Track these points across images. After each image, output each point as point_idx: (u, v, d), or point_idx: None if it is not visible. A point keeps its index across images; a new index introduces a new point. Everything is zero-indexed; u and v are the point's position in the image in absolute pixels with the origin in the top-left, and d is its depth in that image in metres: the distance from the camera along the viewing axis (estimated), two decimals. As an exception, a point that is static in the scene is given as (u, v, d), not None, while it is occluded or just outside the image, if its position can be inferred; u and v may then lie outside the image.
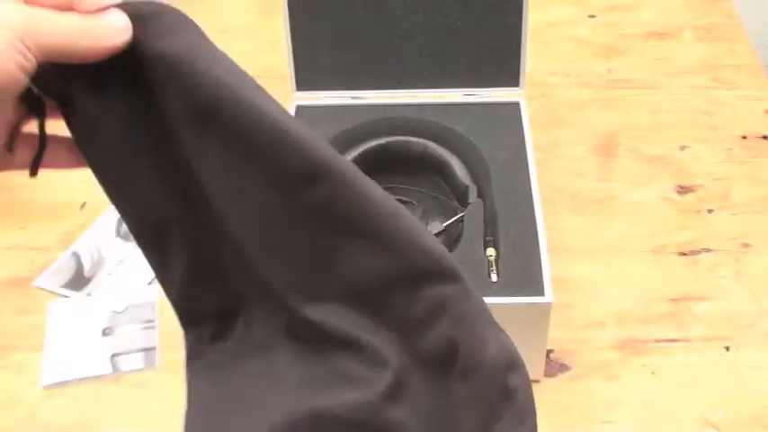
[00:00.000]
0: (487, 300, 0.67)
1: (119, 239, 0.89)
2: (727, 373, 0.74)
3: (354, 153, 0.83)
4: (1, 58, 0.32)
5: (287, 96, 0.89)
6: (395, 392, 0.36)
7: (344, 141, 0.84)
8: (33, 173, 0.39)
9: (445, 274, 0.38)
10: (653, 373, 0.75)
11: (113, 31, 0.35)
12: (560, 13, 1.18)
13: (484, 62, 0.87)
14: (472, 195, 0.78)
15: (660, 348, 0.77)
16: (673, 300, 0.81)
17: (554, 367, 0.75)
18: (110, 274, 0.85)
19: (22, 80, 0.33)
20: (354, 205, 0.36)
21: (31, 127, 0.39)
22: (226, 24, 1.19)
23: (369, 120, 0.85)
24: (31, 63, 0.33)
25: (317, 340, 0.37)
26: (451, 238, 0.75)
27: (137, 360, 0.78)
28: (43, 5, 0.34)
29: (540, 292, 0.67)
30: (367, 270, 0.37)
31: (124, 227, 0.90)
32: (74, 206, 0.93)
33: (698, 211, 0.89)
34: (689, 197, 0.91)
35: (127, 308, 0.82)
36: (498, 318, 0.69)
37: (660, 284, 0.82)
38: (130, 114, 0.37)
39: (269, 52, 1.13)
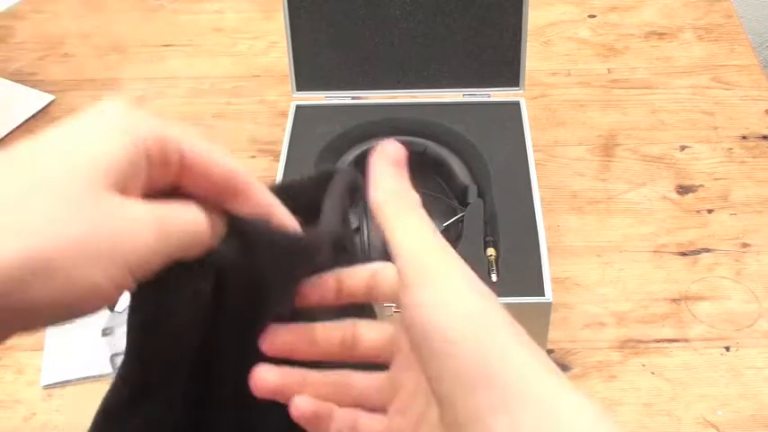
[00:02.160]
0: (487, 300, 0.67)
1: (119, 239, 0.89)
2: (727, 373, 0.74)
3: (354, 153, 0.83)
4: (98, 279, 0.29)
5: (287, 96, 0.89)
6: None
7: (344, 141, 0.84)
8: None
9: None
10: (653, 373, 0.75)
11: (216, 231, 0.33)
12: (560, 13, 1.18)
13: (484, 62, 0.87)
14: (472, 195, 0.78)
15: (660, 348, 0.77)
16: (673, 300, 0.81)
17: (554, 367, 0.75)
18: (110, 274, 0.85)
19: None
20: None
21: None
22: (226, 24, 1.19)
23: (369, 120, 0.85)
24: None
25: None
26: (451, 238, 0.75)
27: (137, 360, 0.78)
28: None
29: (540, 292, 0.67)
30: None
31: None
32: (74, 206, 0.93)
33: (698, 211, 0.89)
34: (689, 197, 0.91)
35: (127, 308, 0.82)
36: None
37: (660, 284, 0.82)
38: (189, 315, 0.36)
39: (269, 52, 1.14)
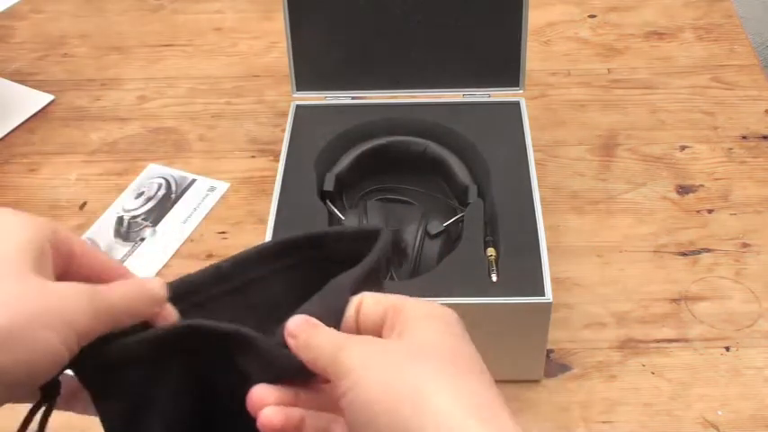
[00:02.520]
0: (487, 300, 0.67)
1: (118, 240, 0.89)
2: (727, 373, 0.74)
3: (354, 153, 0.83)
4: (48, 347, 0.35)
5: (287, 96, 0.89)
6: None
7: (344, 141, 0.84)
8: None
9: None
10: (653, 373, 0.75)
11: (158, 293, 0.39)
12: (560, 13, 1.18)
13: (484, 62, 0.86)
14: (472, 195, 0.78)
15: (660, 348, 0.77)
16: (673, 300, 0.81)
17: (554, 367, 0.75)
18: (110, 274, 0.85)
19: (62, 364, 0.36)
20: None
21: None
22: (226, 24, 1.19)
23: (369, 120, 0.85)
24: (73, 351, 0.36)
25: None
26: (451, 238, 0.75)
27: (137, 360, 0.78)
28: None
29: (540, 292, 0.67)
30: None
31: (124, 227, 0.91)
32: (74, 206, 0.93)
33: (698, 211, 0.89)
34: (689, 197, 0.91)
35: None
36: (498, 318, 0.69)
37: (660, 284, 0.82)
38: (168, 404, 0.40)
39: (269, 52, 1.14)
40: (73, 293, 0.36)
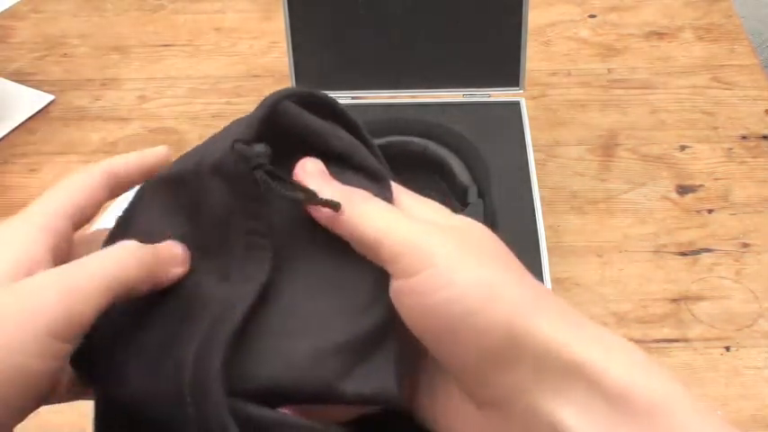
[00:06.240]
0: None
1: (119, 239, 0.89)
2: (727, 373, 0.74)
3: (354, 153, 0.83)
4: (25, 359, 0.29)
5: (287, 96, 0.89)
6: None
7: (344, 141, 0.84)
8: None
9: None
10: (653, 373, 0.75)
11: (174, 263, 0.36)
12: (560, 13, 1.18)
13: (484, 62, 0.87)
14: (472, 195, 0.78)
15: (660, 348, 0.77)
16: (673, 300, 0.81)
17: (554, 367, 0.75)
18: (110, 274, 0.85)
19: (53, 373, 0.30)
20: None
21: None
22: (226, 24, 1.19)
23: (369, 120, 0.85)
24: (61, 357, 0.30)
25: None
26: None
27: (137, 360, 0.77)
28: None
29: (540, 292, 0.67)
30: None
31: (124, 227, 0.90)
32: (74, 206, 0.93)
33: (698, 211, 0.89)
34: (689, 197, 0.91)
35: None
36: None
37: (660, 284, 0.82)
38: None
39: (269, 52, 1.14)
40: (39, 287, 0.30)
